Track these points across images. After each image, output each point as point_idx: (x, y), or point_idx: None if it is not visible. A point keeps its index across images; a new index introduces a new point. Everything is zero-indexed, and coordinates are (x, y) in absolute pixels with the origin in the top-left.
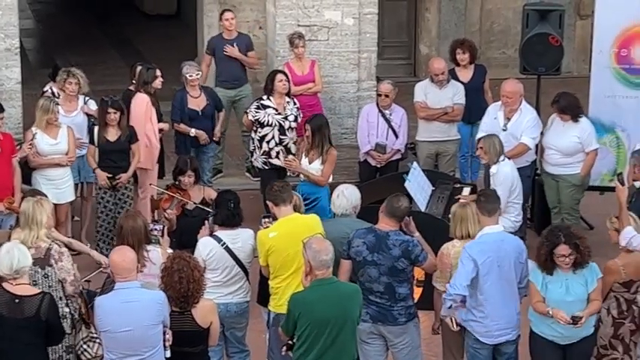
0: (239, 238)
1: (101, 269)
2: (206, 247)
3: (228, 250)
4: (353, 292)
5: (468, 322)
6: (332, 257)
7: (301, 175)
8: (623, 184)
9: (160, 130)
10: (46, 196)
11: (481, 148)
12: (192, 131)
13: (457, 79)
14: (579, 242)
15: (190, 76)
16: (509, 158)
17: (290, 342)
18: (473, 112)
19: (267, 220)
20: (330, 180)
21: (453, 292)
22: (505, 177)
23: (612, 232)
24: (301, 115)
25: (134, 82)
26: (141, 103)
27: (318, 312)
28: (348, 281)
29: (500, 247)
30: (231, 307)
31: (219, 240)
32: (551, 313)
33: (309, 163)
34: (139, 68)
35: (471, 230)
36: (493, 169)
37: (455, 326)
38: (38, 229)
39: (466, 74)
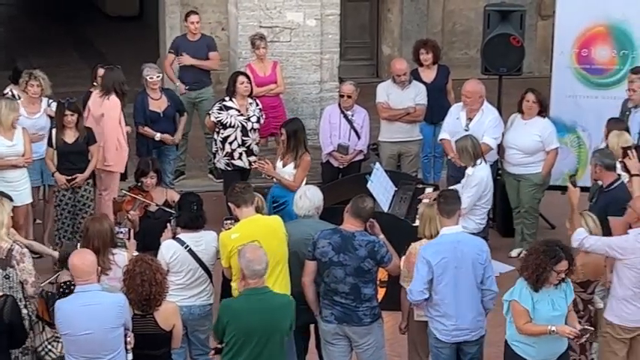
0: (202, 241)
1: (47, 281)
2: (169, 250)
3: (191, 252)
4: (285, 304)
5: (430, 319)
6: (266, 267)
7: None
8: (575, 185)
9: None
10: (10, 198)
11: (456, 151)
12: (158, 135)
13: (420, 80)
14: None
15: (151, 78)
16: (485, 161)
17: (219, 346)
18: (435, 112)
19: (229, 222)
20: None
21: (411, 298)
22: (480, 181)
23: (571, 232)
24: (264, 117)
25: (95, 83)
26: (115, 106)
27: (245, 321)
28: (313, 283)
29: (456, 248)
30: (194, 309)
31: (182, 243)
32: (555, 329)
33: (283, 166)
34: (101, 70)
35: (437, 230)
36: (469, 171)
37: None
38: None
39: (429, 74)
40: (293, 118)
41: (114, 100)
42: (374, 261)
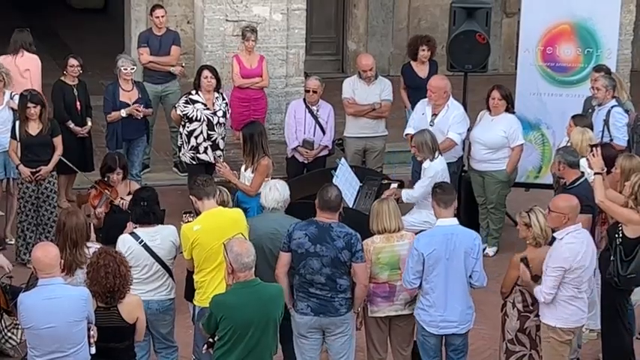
0: (158, 236)
1: (5, 275)
2: (124, 245)
3: (146, 247)
4: (276, 294)
5: (417, 309)
6: (253, 259)
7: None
8: (527, 266)
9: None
10: None
11: (414, 146)
12: (123, 112)
13: (415, 75)
14: None
15: (125, 69)
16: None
17: (211, 340)
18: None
19: (188, 214)
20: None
21: (406, 287)
22: (435, 173)
23: (522, 227)
24: (230, 111)
25: (65, 72)
26: (35, 58)
27: (240, 316)
28: (285, 275)
29: (449, 240)
30: (152, 304)
31: (137, 237)
32: None
33: (244, 170)
34: (72, 60)
35: (386, 225)
36: (425, 164)
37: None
38: None
39: (424, 70)
40: (252, 121)
41: (31, 55)
42: (350, 253)
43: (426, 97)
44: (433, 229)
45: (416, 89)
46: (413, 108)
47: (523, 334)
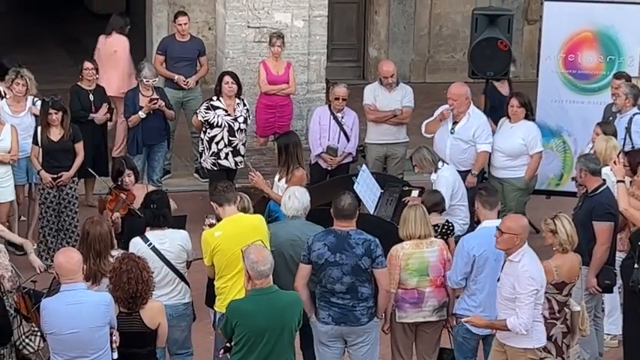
0: (166, 239)
1: (37, 273)
2: (135, 248)
3: (155, 250)
4: (292, 302)
5: (460, 311)
6: (271, 267)
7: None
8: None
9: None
10: None
11: (415, 165)
12: (141, 113)
13: (498, 94)
14: None
15: (147, 80)
16: (447, 163)
17: (228, 345)
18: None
19: (211, 216)
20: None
21: (452, 286)
22: (446, 182)
23: (547, 234)
24: (251, 117)
25: (81, 76)
26: (123, 41)
27: (255, 322)
28: (305, 286)
29: (494, 242)
30: (166, 309)
31: (146, 240)
32: None
33: (278, 180)
34: (87, 64)
35: (412, 232)
36: (433, 177)
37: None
38: None
39: (505, 87)
40: (288, 131)
41: (120, 37)
42: (370, 259)
43: (504, 114)
44: (479, 230)
45: (497, 108)
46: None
47: (549, 341)
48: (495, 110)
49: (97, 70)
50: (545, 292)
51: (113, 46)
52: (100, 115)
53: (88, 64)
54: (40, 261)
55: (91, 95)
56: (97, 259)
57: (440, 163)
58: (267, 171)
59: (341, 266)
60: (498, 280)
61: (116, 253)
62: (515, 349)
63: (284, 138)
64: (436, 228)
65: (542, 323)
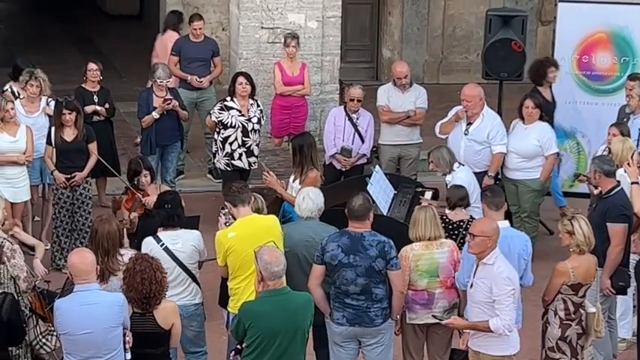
0: (179, 239)
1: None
2: (147, 248)
3: (167, 250)
4: (305, 303)
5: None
6: (283, 268)
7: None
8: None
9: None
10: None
11: (431, 162)
12: (155, 113)
13: (544, 100)
14: None
15: (161, 81)
16: (462, 164)
17: (239, 347)
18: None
19: (225, 211)
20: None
21: (460, 287)
22: (462, 182)
23: (564, 235)
24: (265, 118)
25: (85, 78)
26: (174, 36)
27: (268, 324)
28: (318, 286)
29: (504, 243)
30: None
31: (158, 240)
32: None
33: (293, 181)
34: (91, 65)
35: (421, 233)
36: (448, 178)
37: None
38: None
39: (548, 93)
40: (303, 132)
41: (172, 34)
42: (384, 261)
43: (550, 120)
44: None
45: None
46: None
47: (564, 342)
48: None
49: (101, 71)
50: (561, 293)
51: (166, 44)
52: (98, 108)
53: (92, 66)
54: (43, 268)
55: (95, 96)
56: (106, 257)
57: (456, 165)
58: (280, 172)
59: (355, 268)
60: (472, 286)
61: (125, 251)
62: (491, 356)
63: (299, 139)
64: (461, 223)
65: (516, 330)
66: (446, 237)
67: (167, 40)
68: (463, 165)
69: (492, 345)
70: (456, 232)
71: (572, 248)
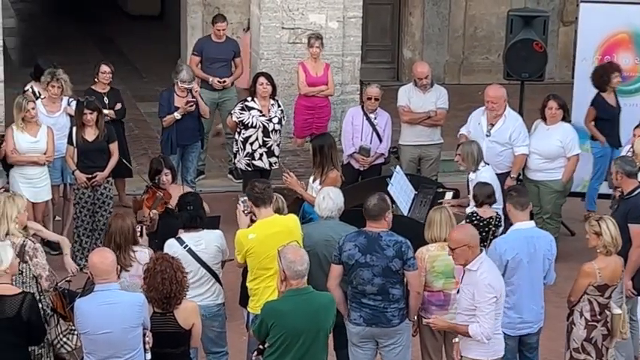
0: (202, 240)
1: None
2: (170, 250)
3: (191, 252)
4: (328, 303)
5: None
6: (307, 267)
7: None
8: None
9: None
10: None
11: (459, 154)
12: (177, 114)
13: (608, 105)
14: None
15: (183, 83)
16: (487, 164)
17: (261, 347)
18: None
19: (245, 199)
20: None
21: None
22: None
23: (591, 235)
24: (285, 118)
25: (96, 80)
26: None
27: (291, 323)
28: (338, 286)
29: (530, 243)
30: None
31: (181, 242)
32: None
33: (313, 182)
34: (103, 67)
35: (437, 235)
36: (472, 176)
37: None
38: (8, 223)
39: (612, 98)
40: (323, 132)
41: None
42: (401, 261)
43: (615, 127)
44: (511, 232)
45: (608, 121)
46: (609, 142)
47: (589, 343)
48: (606, 122)
49: (113, 73)
50: (587, 294)
51: (246, 42)
52: (106, 111)
53: (105, 68)
54: (74, 264)
55: (105, 98)
56: (117, 252)
57: (481, 164)
58: (300, 172)
59: (371, 267)
60: (458, 292)
61: (138, 248)
62: (469, 359)
63: (319, 139)
64: (490, 220)
65: (502, 335)
66: (478, 233)
67: (246, 39)
68: (488, 165)
69: (474, 349)
70: (486, 228)
71: (599, 249)
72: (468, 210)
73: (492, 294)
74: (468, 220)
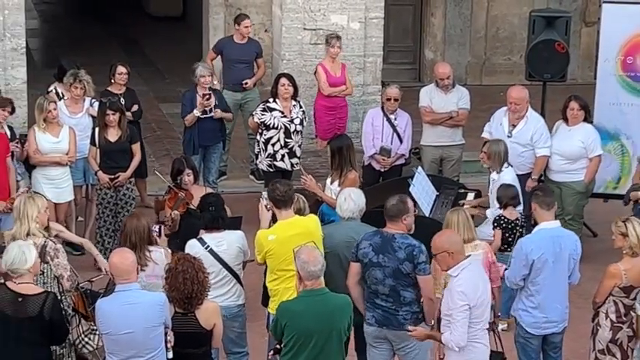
0: (224, 241)
1: (101, 275)
2: (191, 250)
3: (212, 252)
4: (343, 304)
5: (518, 311)
6: (322, 268)
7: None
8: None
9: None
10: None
11: (485, 152)
12: (196, 111)
13: None
14: None
15: (203, 77)
16: (511, 166)
17: (278, 346)
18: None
19: (265, 196)
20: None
21: (510, 286)
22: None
23: (618, 236)
24: (307, 119)
25: (113, 81)
26: None
27: (303, 323)
28: (357, 284)
29: (555, 243)
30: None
31: (203, 243)
32: None
33: (331, 184)
34: (120, 68)
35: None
36: (494, 176)
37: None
38: (29, 222)
39: None
40: (341, 134)
41: None
42: (412, 265)
43: None
44: (537, 232)
45: None
46: None
47: (614, 344)
48: None
49: (129, 74)
50: (612, 295)
51: None
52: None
53: (122, 69)
54: (106, 262)
55: (122, 99)
56: (133, 251)
57: (505, 165)
58: (321, 173)
59: (383, 268)
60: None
61: (154, 248)
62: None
63: (337, 141)
64: (517, 221)
65: (485, 345)
66: (507, 236)
67: None
68: (511, 166)
69: (450, 355)
70: (514, 230)
71: (625, 250)
72: (489, 213)
73: (464, 302)
74: (495, 224)
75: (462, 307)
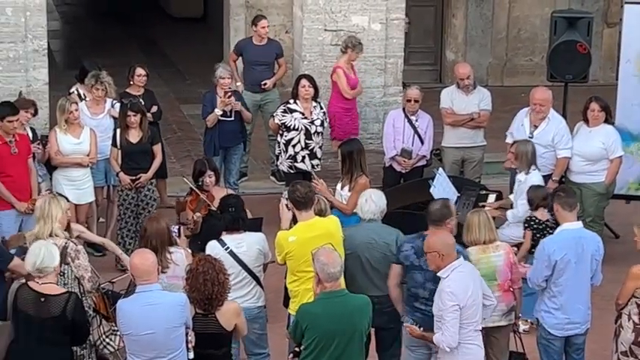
0: (244, 243)
1: (124, 276)
2: (212, 251)
3: (232, 254)
4: (362, 305)
5: (540, 312)
6: (340, 269)
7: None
8: None
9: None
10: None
11: (512, 152)
12: (217, 110)
13: None
14: None
15: (222, 78)
16: (538, 169)
17: (297, 349)
18: None
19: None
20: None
21: (532, 287)
22: None
23: None
24: (328, 120)
25: (131, 83)
26: None
27: (324, 326)
28: (397, 286)
29: (578, 244)
30: None
31: (223, 244)
32: None
33: (341, 188)
34: (139, 70)
35: (476, 237)
36: (521, 177)
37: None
38: (52, 223)
39: None
40: (352, 138)
41: None
42: None
43: None
44: (559, 233)
45: None
46: None
47: (638, 346)
48: None
49: (147, 76)
50: (635, 297)
51: None
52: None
53: (140, 71)
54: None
55: (141, 100)
56: (155, 254)
57: (532, 167)
58: (339, 175)
59: (424, 272)
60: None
61: (175, 250)
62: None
63: (348, 145)
64: (547, 222)
65: (479, 346)
66: (538, 237)
67: None
68: (539, 169)
69: (444, 357)
70: (544, 231)
71: None
72: (510, 214)
73: (454, 302)
74: (526, 225)
75: (451, 307)
